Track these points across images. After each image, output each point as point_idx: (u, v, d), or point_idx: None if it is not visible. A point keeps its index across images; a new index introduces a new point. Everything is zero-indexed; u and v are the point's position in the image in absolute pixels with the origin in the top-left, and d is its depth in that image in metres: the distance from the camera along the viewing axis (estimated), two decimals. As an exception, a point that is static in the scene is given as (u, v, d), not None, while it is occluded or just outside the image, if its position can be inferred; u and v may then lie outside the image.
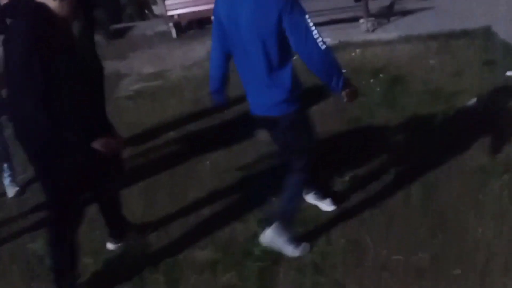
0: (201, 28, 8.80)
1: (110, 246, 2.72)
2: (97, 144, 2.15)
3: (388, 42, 5.74)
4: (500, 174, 2.73)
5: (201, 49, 7.38)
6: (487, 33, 5.60)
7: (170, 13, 8.40)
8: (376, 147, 3.35)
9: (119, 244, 2.70)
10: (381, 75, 4.73)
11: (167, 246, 2.66)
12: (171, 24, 8.50)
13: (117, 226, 2.68)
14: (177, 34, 8.58)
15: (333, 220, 2.61)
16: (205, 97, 5.06)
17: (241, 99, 4.66)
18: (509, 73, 4.28)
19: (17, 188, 3.60)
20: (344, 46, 5.86)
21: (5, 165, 3.59)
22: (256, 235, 2.51)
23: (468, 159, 2.93)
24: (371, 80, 4.66)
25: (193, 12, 8.42)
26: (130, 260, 2.60)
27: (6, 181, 3.61)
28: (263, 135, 3.55)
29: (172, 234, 2.75)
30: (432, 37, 5.65)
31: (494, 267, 2.13)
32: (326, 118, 3.96)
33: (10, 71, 1.97)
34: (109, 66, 6.78)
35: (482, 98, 3.75)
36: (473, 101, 3.73)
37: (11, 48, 1.96)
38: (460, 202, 2.54)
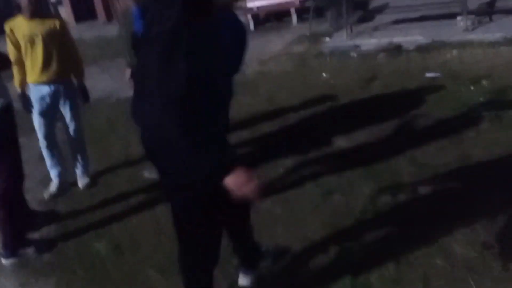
0: (279, 21, 8.55)
1: (242, 281, 2.22)
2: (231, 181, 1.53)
3: (491, 44, 5.08)
4: None
5: (278, 42, 7.10)
6: None
7: (249, 5, 8.30)
8: (478, 174, 2.84)
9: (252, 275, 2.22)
10: (483, 82, 4.14)
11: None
12: (249, 16, 8.38)
13: (250, 255, 2.21)
14: (255, 26, 8.42)
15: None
16: (281, 95, 4.83)
17: (323, 99, 4.52)
18: None
19: (87, 180, 3.54)
20: (439, 46, 5.28)
21: (78, 155, 3.54)
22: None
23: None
24: (472, 88, 4.09)
25: (272, 5, 8.28)
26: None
27: (79, 171, 3.56)
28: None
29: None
30: (545, 39, 4.92)
31: None
32: (419, 128, 3.52)
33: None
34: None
35: None
36: None
37: None
38: None
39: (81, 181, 3.54)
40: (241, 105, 4.66)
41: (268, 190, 2.77)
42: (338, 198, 2.77)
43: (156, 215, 2.93)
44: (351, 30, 6.33)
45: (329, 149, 3.41)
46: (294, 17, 8.29)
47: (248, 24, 8.21)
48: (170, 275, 2.33)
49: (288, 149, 3.50)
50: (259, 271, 2.22)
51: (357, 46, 5.86)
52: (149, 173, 3.30)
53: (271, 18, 8.75)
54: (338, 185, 2.90)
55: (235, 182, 1.52)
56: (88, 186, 3.51)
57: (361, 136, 3.53)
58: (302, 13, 8.28)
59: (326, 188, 2.87)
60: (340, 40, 6.29)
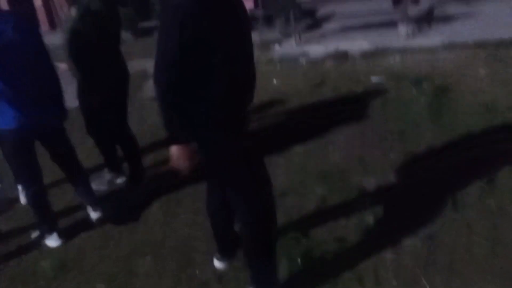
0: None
1: None
2: None
3: (430, 49, 5.36)
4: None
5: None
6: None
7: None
8: (422, 170, 2.99)
9: None
10: (424, 84, 4.36)
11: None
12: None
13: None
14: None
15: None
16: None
17: (274, 104, 4.57)
18: None
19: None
20: (382, 52, 5.50)
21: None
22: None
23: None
24: (413, 90, 4.30)
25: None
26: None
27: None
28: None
29: (194, 251, 2.45)
30: (479, 45, 5.24)
31: None
32: (366, 130, 3.64)
33: None
34: (136, 65, 6.63)
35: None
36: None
37: None
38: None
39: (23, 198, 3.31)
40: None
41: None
42: (291, 199, 2.81)
43: (103, 229, 2.85)
44: (300, 38, 6.48)
45: (281, 153, 3.45)
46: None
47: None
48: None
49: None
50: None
51: (305, 53, 5.99)
52: (97, 185, 3.20)
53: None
54: (291, 186, 2.95)
55: (176, 152, 1.79)
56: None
57: (312, 139, 3.61)
58: (251, 21, 8.36)
59: (279, 190, 2.90)
60: (290, 47, 6.42)
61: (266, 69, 5.87)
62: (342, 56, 5.66)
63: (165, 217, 2.84)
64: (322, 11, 7.94)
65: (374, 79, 4.76)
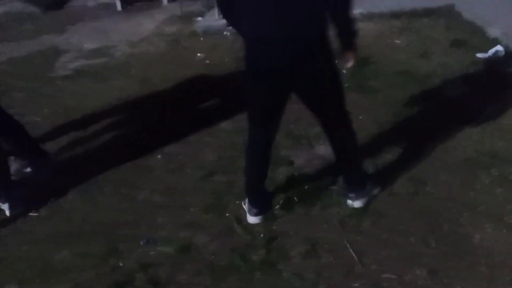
0: (149, 1, 8.14)
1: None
2: None
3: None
4: (488, 167, 2.49)
5: (149, 23, 6.76)
6: (451, 12, 5.42)
7: (114, -18, 7.72)
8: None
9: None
10: (347, 55, 4.40)
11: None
12: (115, -5, 7.81)
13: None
14: (123, 6, 7.90)
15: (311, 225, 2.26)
16: (155, 77, 4.60)
17: (199, 79, 4.40)
18: (479, 55, 4.08)
19: None
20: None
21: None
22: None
23: (452, 151, 2.67)
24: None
25: (140, -17, 7.81)
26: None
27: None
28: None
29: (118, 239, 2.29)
30: (395, 15, 5.38)
31: (499, 280, 1.87)
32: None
33: None
34: (45, 40, 6.09)
35: (457, 82, 3.50)
36: (450, 85, 3.47)
37: None
38: (451, 200, 2.27)
39: None
40: (111, 89, 4.37)
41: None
42: (219, 178, 2.72)
43: (15, 224, 2.58)
44: (223, 9, 6.27)
45: (209, 130, 3.32)
46: (164, -3, 7.95)
47: (115, 4, 7.67)
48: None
49: (166, 133, 3.34)
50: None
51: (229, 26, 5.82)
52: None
53: (140, -2, 8.29)
54: (219, 165, 2.84)
55: None
56: None
57: (240, 114, 3.50)
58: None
59: (207, 170, 2.79)
60: (213, 19, 6.19)
61: (189, 42, 5.65)
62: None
63: (84, 205, 2.61)
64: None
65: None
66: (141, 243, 2.16)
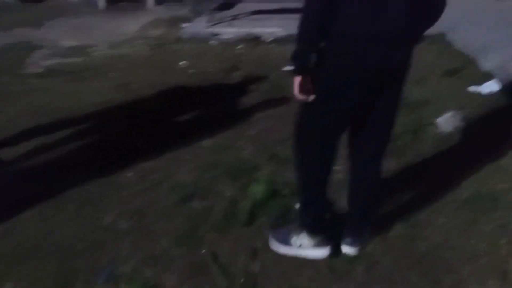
0: (134, 1, 7.86)
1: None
2: None
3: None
4: (488, 212, 2.30)
5: (133, 24, 6.48)
6: (442, 41, 5.34)
7: (99, -21, 7.46)
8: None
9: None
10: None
11: None
12: (99, -7, 7.54)
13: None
14: (107, 6, 7.59)
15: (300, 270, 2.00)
16: (134, 82, 4.32)
17: (181, 89, 4.14)
18: (473, 88, 3.96)
19: None
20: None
21: None
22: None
23: (449, 191, 2.47)
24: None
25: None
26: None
27: None
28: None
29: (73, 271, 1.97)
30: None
31: None
32: (278, 122, 3.37)
33: None
34: (19, 34, 5.74)
35: (453, 115, 3.34)
36: (445, 116, 3.30)
37: None
38: (451, 248, 2.06)
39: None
40: (86, 92, 4.09)
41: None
42: (196, 204, 2.44)
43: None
44: (211, 18, 6.05)
45: (188, 146, 3.05)
46: (150, -1, 7.70)
47: (97, 2, 7.37)
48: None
49: (140, 146, 3.06)
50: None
51: (216, 34, 5.60)
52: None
53: (125, -2, 8.01)
54: (197, 189, 2.57)
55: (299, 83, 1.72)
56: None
57: (222, 131, 3.26)
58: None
59: (182, 193, 2.52)
60: (200, 26, 5.97)
61: (173, 48, 5.40)
62: (254, 41, 5.37)
63: (39, 226, 2.28)
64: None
65: (287, 67, 4.52)
66: (100, 281, 1.86)
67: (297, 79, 1.70)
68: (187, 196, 2.48)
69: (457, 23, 5.40)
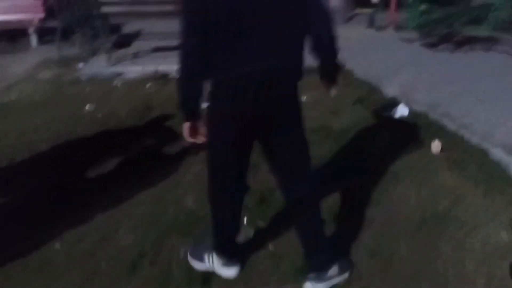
0: (13, 42, 7.07)
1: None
2: None
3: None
4: (442, 231, 2.37)
5: (17, 67, 5.78)
6: (343, 70, 5.63)
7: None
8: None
9: None
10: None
11: None
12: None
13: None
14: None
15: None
16: (31, 133, 3.77)
17: (90, 137, 3.69)
18: (385, 114, 4.19)
19: None
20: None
21: None
22: None
23: (398, 215, 2.51)
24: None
25: (2, 22, 6.75)
26: None
27: None
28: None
29: None
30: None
31: None
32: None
33: None
34: None
35: (373, 140, 3.47)
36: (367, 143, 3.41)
37: None
38: (422, 279, 2.05)
39: None
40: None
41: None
42: (149, 269, 2.12)
43: None
44: (110, 56, 5.65)
45: (120, 203, 2.68)
46: (33, 38, 6.98)
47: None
48: None
49: (60, 212, 2.61)
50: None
51: (120, 74, 5.24)
52: None
53: (3, 38, 7.17)
54: (142, 250, 2.24)
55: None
56: None
57: (157, 181, 2.94)
58: (41, 34, 7.05)
59: (128, 259, 2.17)
60: (99, 66, 5.53)
61: (72, 91, 4.90)
62: (162, 79, 5.12)
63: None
64: (127, 28, 7.24)
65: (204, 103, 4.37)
66: None
67: (186, 125, 1.76)
68: (134, 263, 2.16)
69: (351, 53, 5.75)
